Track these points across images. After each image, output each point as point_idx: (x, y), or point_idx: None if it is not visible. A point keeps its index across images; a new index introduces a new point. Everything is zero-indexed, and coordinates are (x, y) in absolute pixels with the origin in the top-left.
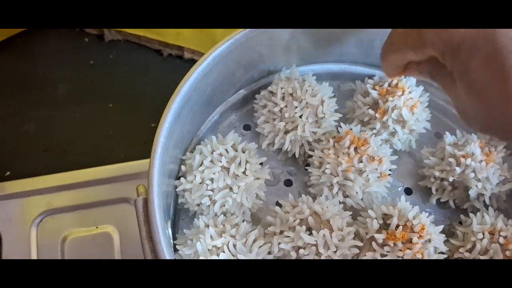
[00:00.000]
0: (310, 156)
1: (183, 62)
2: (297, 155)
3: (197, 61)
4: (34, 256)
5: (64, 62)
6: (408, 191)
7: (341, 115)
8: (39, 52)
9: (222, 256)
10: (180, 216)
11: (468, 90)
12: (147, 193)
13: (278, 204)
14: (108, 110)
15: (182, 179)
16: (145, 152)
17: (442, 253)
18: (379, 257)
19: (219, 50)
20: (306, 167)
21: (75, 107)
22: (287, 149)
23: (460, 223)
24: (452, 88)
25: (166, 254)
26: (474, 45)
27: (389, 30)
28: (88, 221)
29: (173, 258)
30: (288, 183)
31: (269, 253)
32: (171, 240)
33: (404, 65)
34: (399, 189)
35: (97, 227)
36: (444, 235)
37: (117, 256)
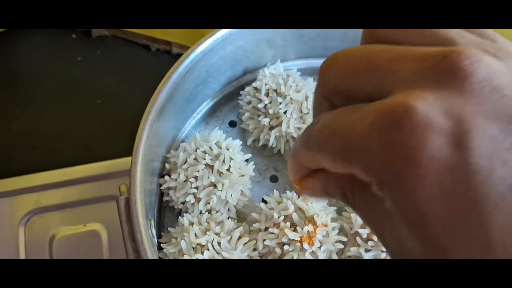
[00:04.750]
0: None
1: (171, 57)
2: (282, 151)
3: None
4: (22, 256)
5: (52, 58)
6: None
7: None
8: (26, 49)
9: (206, 254)
10: (166, 214)
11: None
12: (129, 192)
13: (263, 200)
14: (96, 107)
15: (166, 177)
16: None
17: None
18: (363, 252)
19: (202, 47)
20: None
21: (63, 104)
22: (272, 145)
23: None
24: (381, 220)
25: (149, 253)
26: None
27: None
28: (76, 219)
29: (155, 258)
30: (274, 179)
31: (254, 250)
32: (155, 239)
33: (312, 171)
34: None
35: (85, 225)
36: None
37: (105, 254)
